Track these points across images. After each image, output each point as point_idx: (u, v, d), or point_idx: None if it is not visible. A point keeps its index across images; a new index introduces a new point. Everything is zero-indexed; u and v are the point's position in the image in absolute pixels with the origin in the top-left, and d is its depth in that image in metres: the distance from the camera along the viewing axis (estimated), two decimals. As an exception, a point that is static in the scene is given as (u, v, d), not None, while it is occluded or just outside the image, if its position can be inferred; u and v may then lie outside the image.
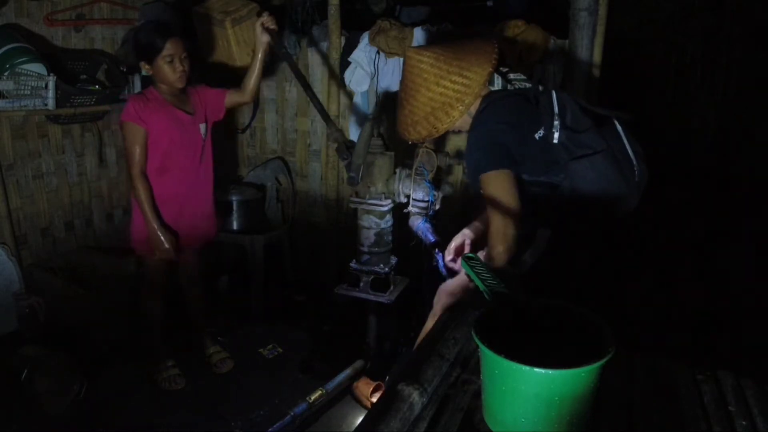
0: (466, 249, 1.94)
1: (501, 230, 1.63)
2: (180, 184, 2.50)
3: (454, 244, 1.96)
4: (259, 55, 2.53)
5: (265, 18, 2.47)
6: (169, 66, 2.34)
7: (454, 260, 1.95)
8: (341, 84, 3.22)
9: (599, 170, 1.66)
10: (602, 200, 1.68)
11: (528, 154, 1.70)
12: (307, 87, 2.64)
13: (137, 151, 2.36)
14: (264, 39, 2.49)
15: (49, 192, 3.12)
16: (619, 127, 1.76)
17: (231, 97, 2.60)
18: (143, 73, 2.58)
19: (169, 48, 2.32)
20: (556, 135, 1.67)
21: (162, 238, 2.39)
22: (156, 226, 2.39)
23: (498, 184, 1.65)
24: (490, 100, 1.79)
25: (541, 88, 1.80)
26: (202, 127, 2.54)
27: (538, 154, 1.70)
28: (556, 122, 1.68)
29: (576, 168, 1.66)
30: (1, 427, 2.28)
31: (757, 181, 2.82)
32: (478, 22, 3.00)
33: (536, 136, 1.70)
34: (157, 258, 2.48)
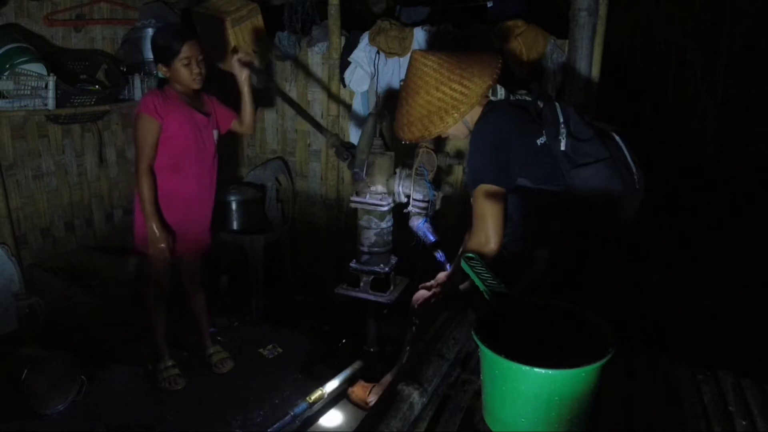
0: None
1: (485, 239, 1.70)
2: (191, 184, 2.50)
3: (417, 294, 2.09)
4: (245, 89, 2.56)
5: (240, 54, 2.54)
6: (186, 69, 2.37)
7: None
8: (341, 84, 3.22)
9: (602, 178, 1.69)
10: (605, 207, 1.71)
11: (530, 160, 1.73)
12: (293, 104, 2.77)
13: (148, 145, 2.35)
14: (243, 75, 2.53)
15: (49, 192, 3.13)
16: (618, 139, 1.80)
17: (235, 124, 2.66)
18: (159, 75, 2.61)
19: (186, 51, 2.34)
20: (563, 143, 1.70)
21: (159, 235, 2.38)
22: (155, 224, 2.38)
23: (490, 198, 1.71)
24: (492, 106, 1.84)
25: (541, 103, 1.82)
26: (215, 133, 2.58)
27: (539, 161, 1.72)
28: (562, 129, 1.71)
29: (580, 175, 1.69)
30: (1, 427, 2.28)
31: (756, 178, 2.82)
32: (478, 22, 3.00)
33: (538, 142, 1.73)
34: (154, 255, 2.47)
